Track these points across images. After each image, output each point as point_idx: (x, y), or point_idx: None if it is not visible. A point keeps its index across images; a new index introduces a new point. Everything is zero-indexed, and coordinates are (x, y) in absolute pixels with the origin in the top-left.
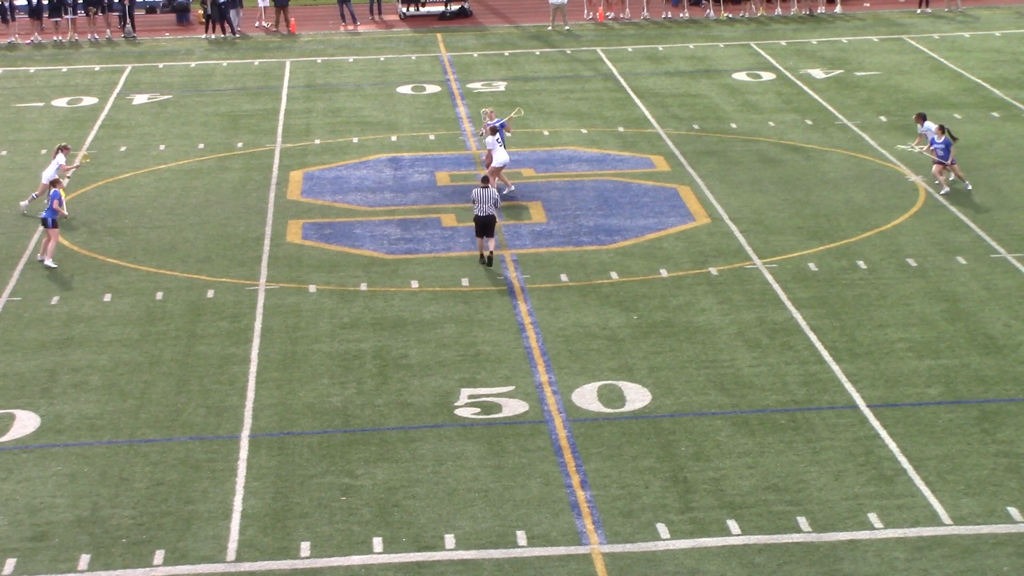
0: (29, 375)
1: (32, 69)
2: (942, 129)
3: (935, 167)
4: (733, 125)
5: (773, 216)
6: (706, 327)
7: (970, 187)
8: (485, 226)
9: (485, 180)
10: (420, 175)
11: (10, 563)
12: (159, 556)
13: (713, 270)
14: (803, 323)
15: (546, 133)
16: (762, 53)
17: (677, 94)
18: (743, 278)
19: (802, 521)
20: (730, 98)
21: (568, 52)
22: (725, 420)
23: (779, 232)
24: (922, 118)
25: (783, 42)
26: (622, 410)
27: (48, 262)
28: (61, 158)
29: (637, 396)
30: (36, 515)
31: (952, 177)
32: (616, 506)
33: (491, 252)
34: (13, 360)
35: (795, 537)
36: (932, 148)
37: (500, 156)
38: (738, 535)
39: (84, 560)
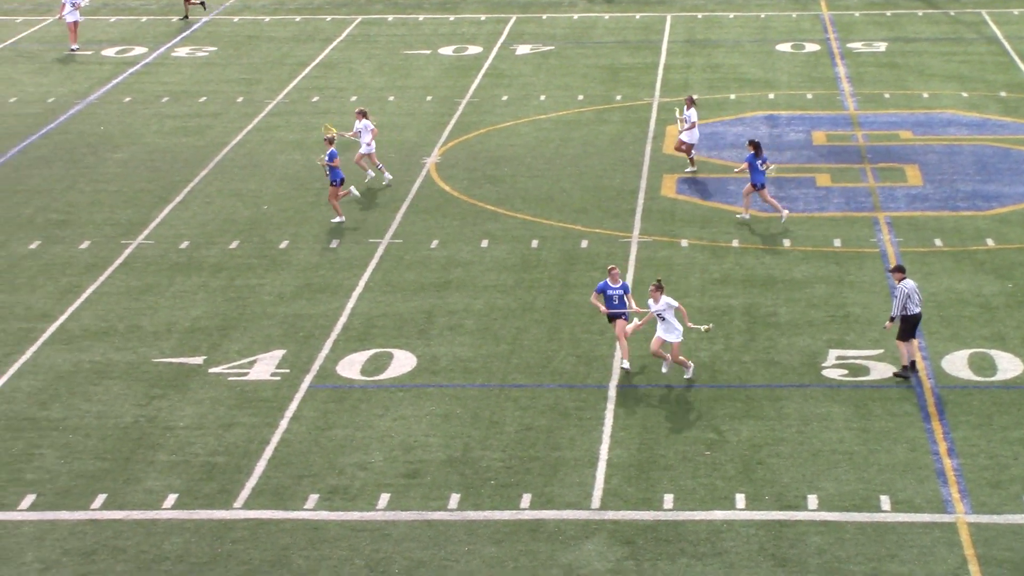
0: (408, 316)
1: (421, 17)
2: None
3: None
4: None
5: None
6: None
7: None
8: (917, 326)
9: (901, 269)
10: (796, 134)
11: (384, 497)
12: (526, 500)
13: None
14: None
15: (925, 95)
16: None
17: None
18: None
19: None
20: None
21: (951, 14)
22: None
23: None
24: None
25: None
26: (993, 379)
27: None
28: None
29: (1009, 366)
30: (410, 453)
31: None
32: (984, 476)
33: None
34: (393, 300)
35: None
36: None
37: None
38: None
39: (454, 499)
